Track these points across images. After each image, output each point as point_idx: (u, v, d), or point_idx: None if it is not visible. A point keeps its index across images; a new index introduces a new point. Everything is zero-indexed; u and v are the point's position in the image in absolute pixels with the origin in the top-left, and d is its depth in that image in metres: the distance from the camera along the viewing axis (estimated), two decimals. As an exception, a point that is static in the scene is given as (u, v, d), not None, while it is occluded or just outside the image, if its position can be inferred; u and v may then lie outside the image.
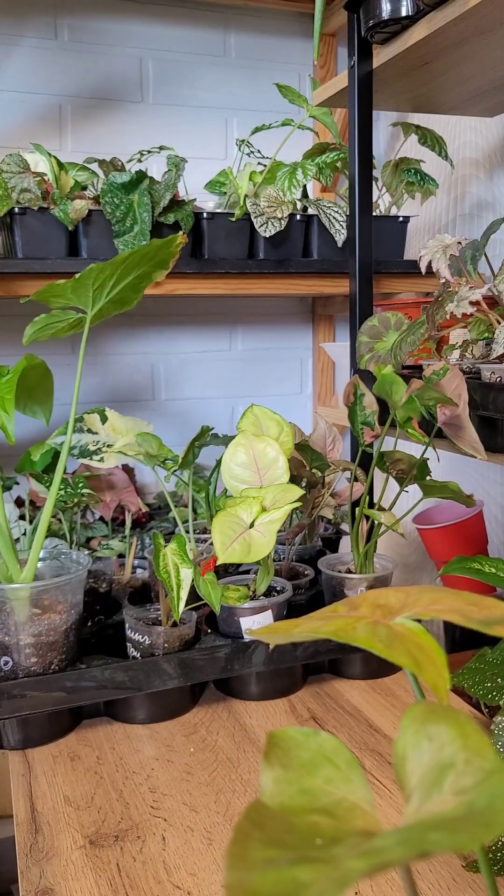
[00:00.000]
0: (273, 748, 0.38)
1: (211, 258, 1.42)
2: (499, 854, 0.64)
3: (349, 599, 0.48)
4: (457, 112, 1.40)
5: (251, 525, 0.89)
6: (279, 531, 1.22)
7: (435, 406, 0.95)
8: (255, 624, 0.98)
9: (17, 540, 1.21)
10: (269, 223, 1.38)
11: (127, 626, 0.98)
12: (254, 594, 1.02)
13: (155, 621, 0.99)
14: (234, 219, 1.41)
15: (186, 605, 0.93)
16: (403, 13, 1.09)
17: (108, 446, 1.07)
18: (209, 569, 0.93)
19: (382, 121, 1.87)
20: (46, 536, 1.14)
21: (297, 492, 0.90)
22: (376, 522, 1.04)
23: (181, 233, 0.92)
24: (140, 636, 0.96)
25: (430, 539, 1.33)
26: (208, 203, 1.50)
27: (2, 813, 1.42)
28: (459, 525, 1.30)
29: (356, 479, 1.10)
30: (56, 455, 1.32)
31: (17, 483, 1.36)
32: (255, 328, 1.88)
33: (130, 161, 1.46)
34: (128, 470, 1.63)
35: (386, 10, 1.10)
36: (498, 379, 0.96)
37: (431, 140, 1.44)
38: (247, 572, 1.14)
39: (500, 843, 0.64)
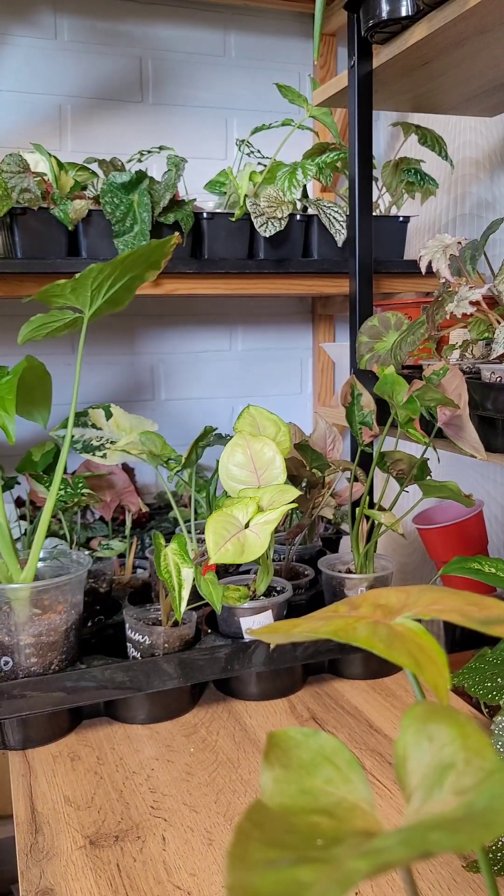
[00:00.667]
0: (273, 748, 0.38)
1: (211, 258, 1.42)
2: (499, 854, 0.64)
3: (349, 599, 0.48)
4: (457, 112, 1.40)
5: (246, 525, 0.89)
6: (279, 531, 1.22)
7: (435, 406, 0.95)
8: (256, 624, 0.98)
9: (18, 540, 1.21)
10: (269, 223, 1.38)
11: (127, 626, 0.98)
12: (254, 594, 1.02)
13: (155, 621, 0.99)
14: (233, 219, 1.41)
15: (187, 605, 0.93)
16: (403, 13, 1.09)
17: (112, 443, 1.07)
18: (210, 569, 0.93)
19: (382, 121, 1.87)
20: (47, 536, 1.14)
21: (294, 492, 0.90)
22: (376, 522, 1.04)
23: (176, 234, 0.93)
24: (140, 636, 0.96)
25: (430, 539, 1.33)
26: (208, 203, 1.50)
27: (2, 813, 1.42)
28: (459, 525, 1.30)
29: (356, 479, 1.10)
30: (57, 454, 1.32)
31: (18, 483, 1.36)
32: (256, 328, 1.88)
33: (130, 161, 1.46)
34: (128, 470, 1.63)
35: (386, 9, 1.10)
36: (498, 379, 0.96)
37: (431, 140, 1.44)
38: (247, 572, 1.14)
39: (500, 843, 0.64)
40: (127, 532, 1.27)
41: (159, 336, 1.80)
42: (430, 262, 1.03)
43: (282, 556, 1.23)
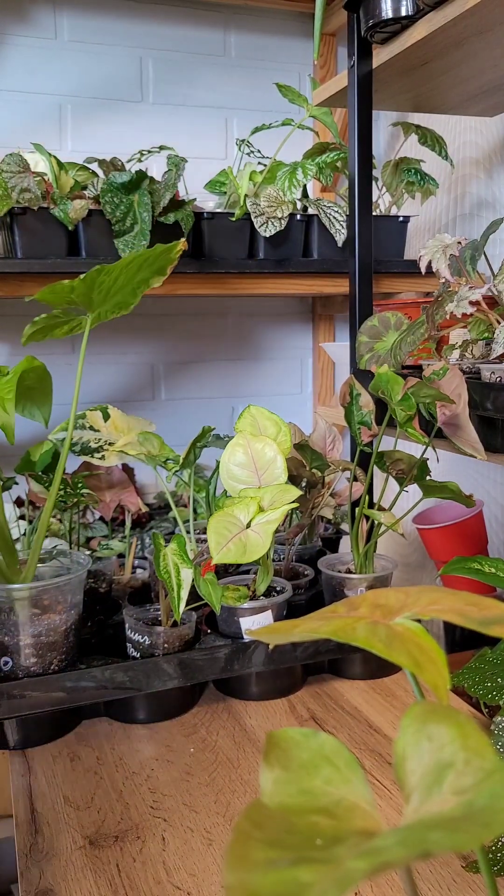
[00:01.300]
0: (273, 748, 0.38)
1: (211, 258, 1.42)
2: (499, 854, 0.64)
3: (349, 600, 0.48)
4: (457, 112, 1.40)
5: (248, 525, 0.89)
6: (279, 531, 1.22)
7: (435, 406, 0.95)
8: (255, 624, 0.98)
9: (17, 540, 1.21)
10: (269, 223, 1.38)
11: (127, 626, 0.98)
12: (254, 594, 1.02)
13: (155, 621, 0.99)
14: (234, 218, 1.41)
15: (186, 605, 0.93)
16: (403, 13, 1.09)
17: (110, 444, 1.07)
18: (209, 569, 0.92)
19: (383, 120, 1.87)
20: (46, 536, 1.14)
21: (295, 492, 0.90)
22: (376, 522, 1.04)
23: (182, 240, 0.92)
24: (140, 636, 0.96)
25: (430, 539, 1.33)
26: (208, 203, 1.49)
27: (1, 813, 1.42)
28: (459, 525, 1.30)
29: (355, 479, 1.10)
30: (56, 454, 1.32)
31: (17, 483, 1.36)
32: (256, 328, 1.88)
33: (130, 161, 1.45)
34: (127, 470, 1.63)
35: (386, 9, 1.10)
36: (498, 379, 0.95)
37: (431, 140, 1.44)
38: (247, 572, 1.14)
39: (499, 843, 0.64)
40: (126, 532, 1.27)
41: (159, 336, 1.80)
42: (429, 262, 1.03)
43: (282, 556, 1.23)
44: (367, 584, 1.05)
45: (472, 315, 1.01)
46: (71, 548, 1.14)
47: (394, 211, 1.57)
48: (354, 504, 1.09)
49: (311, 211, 1.47)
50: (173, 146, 1.50)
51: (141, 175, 1.32)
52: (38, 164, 1.34)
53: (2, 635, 0.91)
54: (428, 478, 0.99)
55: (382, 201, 1.55)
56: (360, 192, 1.27)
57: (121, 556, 1.23)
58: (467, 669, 0.82)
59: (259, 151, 1.49)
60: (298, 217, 1.46)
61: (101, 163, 1.41)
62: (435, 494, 0.95)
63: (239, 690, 1.00)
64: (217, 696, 1.01)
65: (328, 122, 1.41)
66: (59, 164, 1.35)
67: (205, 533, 1.22)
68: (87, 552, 1.18)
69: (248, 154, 1.48)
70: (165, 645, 0.95)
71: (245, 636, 0.99)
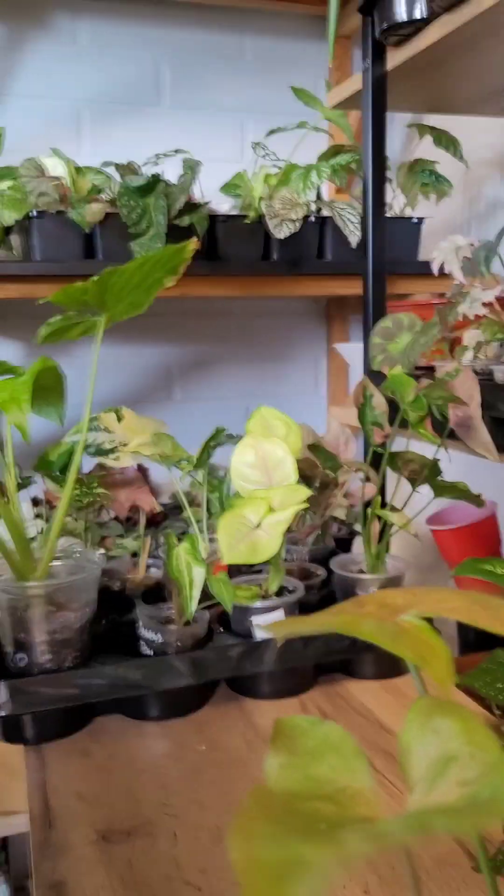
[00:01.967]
0: (279, 735, 0.39)
1: (225, 260, 1.43)
2: (500, 856, 0.64)
3: (356, 598, 0.48)
4: (471, 112, 1.40)
5: (258, 525, 0.90)
6: (291, 532, 1.22)
7: (447, 407, 0.95)
8: (267, 623, 0.99)
9: (33, 539, 1.23)
10: (284, 225, 1.39)
11: (140, 624, 0.99)
12: (265, 594, 1.03)
13: (168, 620, 1.00)
14: (248, 220, 1.42)
15: (199, 604, 0.94)
16: (417, 16, 1.10)
17: (124, 445, 1.08)
18: (221, 568, 0.93)
19: (397, 122, 1.87)
20: (61, 535, 1.15)
21: (305, 492, 0.90)
22: (388, 523, 1.05)
23: (194, 239, 0.93)
24: (153, 634, 0.97)
25: (444, 540, 1.33)
26: (223, 205, 1.50)
27: (15, 808, 1.43)
28: (472, 526, 1.30)
29: (368, 480, 1.10)
30: (73, 454, 1.33)
31: (34, 482, 1.37)
32: (270, 329, 1.88)
33: (146, 164, 1.47)
34: (142, 469, 1.64)
35: (400, 13, 1.11)
36: (510, 380, 0.96)
37: (446, 141, 1.44)
38: (259, 572, 1.15)
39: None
40: (140, 531, 1.28)
41: (174, 337, 1.81)
42: (442, 264, 1.04)
43: (294, 557, 1.23)
44: (379, 585, 1.05)
45: (484, 316, 1.01)
46: (85, 546, 1.15)
47: (408, 212, 1.57)
48: (367, 504, 1.10)
49: (325, 213, 1.48)
50: (189, 149, 1.51)
51: (156, 178, 1.33)
52: (56, 168, 1.36)
53: (17, 632, 0.92)
54: (439, 478, 0.99)
55: (397, 202, 1.56)
56: (374, 194, 1.27)
57: (134, 554, 1.24)
58: (479, 670, 0.82)
59: (274, 154, 1.50)
60: (312, 219, 1.46)
61: (118, 166, 1.43)
62: (445, 494, 0.96)
63: (250, 689, 1.01)
64: (229, 695, 1.02)
65: (343, 125, 1.42)
66: (76, 168, 1.37)
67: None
68: (101, 551, 1.19)
69: (262, 156, 1.49)
70: (178, 643, 0.96)
71: (257, 635, 1.00)
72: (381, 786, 0.82)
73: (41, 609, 0.92)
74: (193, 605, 0.91)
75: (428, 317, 1.26)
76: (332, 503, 1.14)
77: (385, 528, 1.07)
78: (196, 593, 0.92)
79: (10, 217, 1.30)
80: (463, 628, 1.34)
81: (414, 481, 1.02)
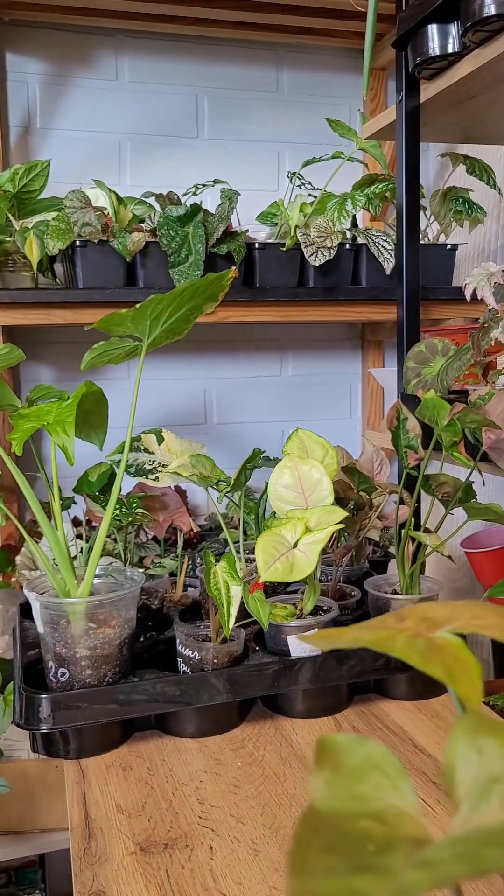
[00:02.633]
0: (323, 752, 0.39)
1: (262, 286, 1.47)
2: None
3: (398, 612, 0.49)
4: (504, 142, 1.43)
5: (295, 545, 0.92)
6: (326, 553, 1.24)
7: (480, 431, 0.97)
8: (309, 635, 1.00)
9: (74, 558, 1.26)
10: (319, 252, 1.42)
11: (178, 641, 1.01)
12: (301, 613, 1.05)
13: (205, 637, 1.02)
14: (284, 248, 1.45)
15: (235, 623, 0.96)
16: (450, 50, 1.13)
17: (164, 466, 1.11)
18: (258, 587, 0.95)
19: (431, 151, 1.90)
20: (102, 555, 1.18)
21: (341, 513, 0.92)
22: (422, 544, 1.06)
23: (233, 268, 0.97)
24: (190, 651, 0.99)
25: (478, 563, 1.34)
26: (260, 234, 1.54)
27: (54, 826, 1.45)
28: (508, 549, 1.30)
29: (402, 502, 1.12)
30: (112, 475, 1.37)
31: (75, 503, 1.41)
32: (306, 354, 1.91)
33: (186, 194, 1.51)
34: (180, 491, 1.67)
35: (433, 46, 1.14)
36: (543, 404, 0.97)
37: (480, 169, 1.47)
38: (294, 592, 1.16)
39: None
40: (178, 551, 1.30)
41: (212, 361, 1.84)
42: (474, 290, 1.06)
43: (329, 577, 1.25)
44: (414, 606, 1.06)
45: (517, 341, 1.02)
46: (125, 565, 1.18)
47: (442, 239, 1.59)
48: (401, 526, 1.11)
49: (360, 240, 1.51)
50: (227, 180, 1.56)
51: (195, 208, 1.38)
52: (99, 198, 1.41)
53: (59, 647, 0.95)
54: (473, 500, 1.01)
55: (431, 230, 1.58)
56: (408, 222, 1.30)
57: (172, 574, 1.27)
58: (512, 691, 0.83)
59: (310, 183, 1.54)
60: (347, 246, 1.49)
61: (158, 197, 1.48)
62: (479, 517, 0.97)
63: (286, 708, 1.02)
64: (264, 713, 1.03)
65: (377, 155, 1.45)
66: (119, 198, 1.42)
67: (254, 553, 1.25)
68: (141, 570, 1.22)
69: (298, 186, 1.52)
70: (215, 660, 0.98)
71: (292, 653, 1.01)
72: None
73: (82, 625, 0.95)
74: (231, 622, 0.93)
75: (461, 342, 1.27)
76: (366, 525, 1.16)
77: (419, 549, 1.08)
78: (233, 610, 0.94)
79: (55, 246, 1.35)
80: (499, 651, 1.34)
81: (447, 503, 1.04)
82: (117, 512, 1.15)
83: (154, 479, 1.10)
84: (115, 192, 1.40)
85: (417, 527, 1.10)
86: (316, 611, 1.07)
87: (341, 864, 0.30)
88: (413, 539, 1.08)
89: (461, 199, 1.51)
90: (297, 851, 0.31)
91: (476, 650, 1.64)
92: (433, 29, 1.13)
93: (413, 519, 1.09)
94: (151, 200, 1.54)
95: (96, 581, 1.04)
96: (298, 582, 0.98)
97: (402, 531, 1.08)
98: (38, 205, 1.47)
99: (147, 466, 1.12)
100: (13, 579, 1.41)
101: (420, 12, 1.13)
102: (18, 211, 1.46)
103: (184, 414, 1.84)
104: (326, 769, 0.38)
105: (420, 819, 0.36)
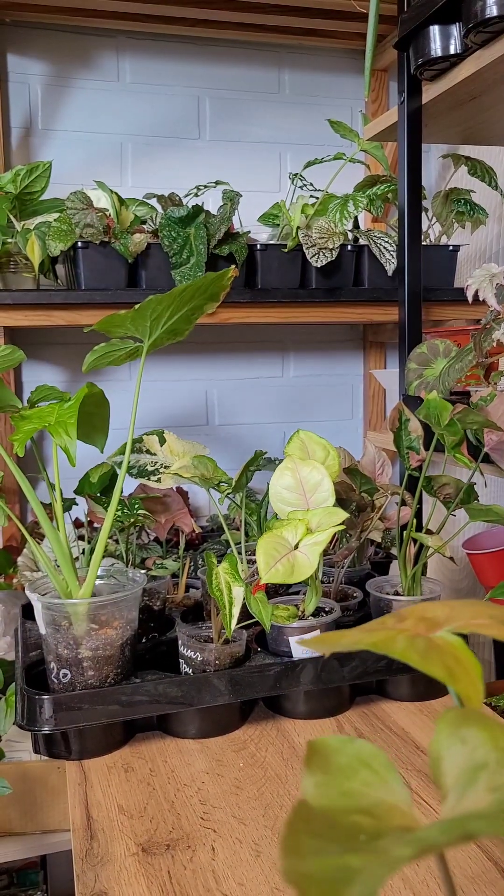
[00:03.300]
0: (313, 755, 0.40)
1: (264, 287, 1.47)
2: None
3: (397, 612, 0.50)
4: (506, 143, 1.43)
5: (296, 546, 0.92)
6: (328, 554, 1.24)
7: (482, 432, 0.97)
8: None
9: (76, 559, 1.26)
10: (321, 253, 1.42)
11: (180, 642, 1.01)
12: (302, 614, 1.05)
13: (207, 638, 1.02)
14: (286, 249, 1.45)
15: (237, 624, 0.96)
16: (452, 51, 1.13)
17: (166, 467, 1.11)
18: (260, 588, 0.95)
19: (433, 152, 1.90)
20: (104, 556, 1.18)
21: (342, 514, 0.92)
22: (424, 546, 1.06)
23: (233, 267, 0.97)
24: (192, 653, 0.99)
25: (480, 564, 1.34)
26: (262, 235, 1.54)
27: (56, 827, 1.45)
28: (509, 550, 1.30)
29: (404, 503, 1.12)
30: (114, 476, 1.37)
31: (77, 504, 1.41)
32: (307, 355, 1.91)
33: (187, 196, 1.51)
34: (182, 492, 1.68)
35: (435, 48, 1.14)
36: (545, 405, 0.97)
37: (481, 171, 1.47)
38: (296, 593, 1.17)
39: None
40: (180, 552, 1.30)
41: (213, 363, 1.84)
42: (476, 291, 1.06)
43: (331, 579, 1.25)
44: (415, 607, 1.06)
45: (519, 342, 1.02)
46: (127, 567, 1.18)
47: (444, 240, 1.59)
48: (402, 527, 1.11)
49: (361, 241, 1.51)
50: (228, 181, 1.56)
51: (197, 209, 1.38)
52: (101, 200, 1.41)
53: (61, 648, 0.95)
54: (475, 502, 1.01)
55: (433, 231, 1.58)
56: (410, 223, 1.30)
57: (174, 575, 1.27)
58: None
59: (311, 184, 1.54)
60: (349, 247, 1.49)
61: (160, 198, 1.48)
62: (481, 518, 0.97)
63: (288, 709, 1.02)
64: (266, 714, 1.03)
65: (379, 156, 1.45)
66: (120, 199, 1.42)
67: (255, 555, 1.25)
68: (143, 571, 1.22)
69: (300, 187, 1.52)
70: (216, 661, 0.98)
71: (294, 654, 1.01)
72: (416, 806, 0.83)
73: (84, 626, 0.95)
74: (234, 623, 0.94)
75: (463, 343, 1.27)
76: (368, 526, 1.16)
77: (421, 550, 1.08)
78: (236, 611, 0.94)
79: (56, 248, 1.35)
80: (500, 651, 1.34)
81: (449, 505, 1.04)
82: (119, 513, 1.15)
83: (156, 481, 1.10)
84: (116, 194, 1.41)
85: (419, 528, 1.10)
86: (318, 612, 1.07)
87: (333, 847, 0.31)
88: (415, 540, 1.08)
89: (463, 201, 1.51)
90: (289, 835, 0.32)
91: (478, 651, 1.64)
92: (435, 30, 1.13)
93: (415, 520, 1.09)
94: (153, 202, 1.54)
95: (98, 582, 1.04)
96: (300, 583, 0.98)
97: (404, 532, 1.08)
98: (40, 206, 1.47)
99: (149, 468, 1.12)
100: (15, 580, 1.42)
101: (422, 13, 1.13)
102: (20, 212, 1.46)
103: (185, 415, 1.84)
104: (317, 771, 0.39)
105: (411, 811, 0.37)
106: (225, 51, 1.79)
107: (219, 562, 0.99)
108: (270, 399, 1.89)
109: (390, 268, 1.48)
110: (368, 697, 1.07)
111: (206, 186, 1.52)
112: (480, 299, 1.05)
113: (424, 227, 1.54)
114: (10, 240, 1.41)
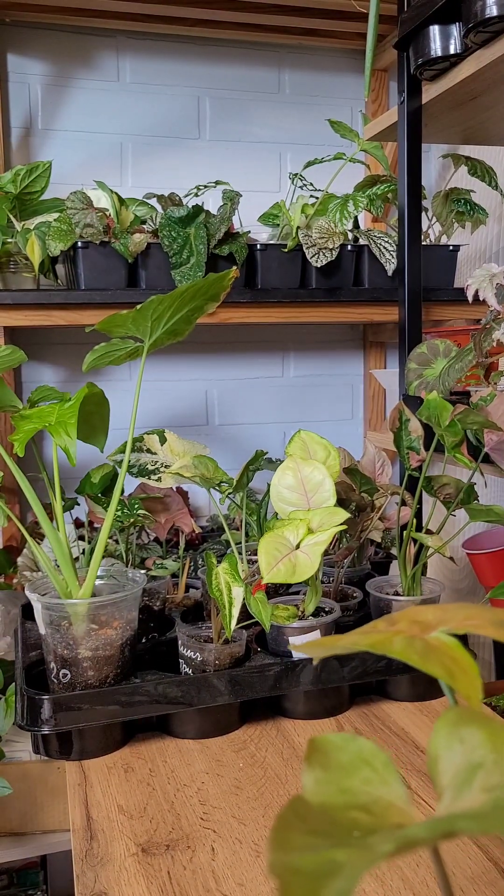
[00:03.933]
0: (314, 752, 0.40)
1: (264, 287, 1.47)
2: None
3: (389, 616, 0.50)
4: (506, 144, 1.43)
5: (297, 546, 0.92)
6: (328, 554, 1.24)
7: (482, 432, 0.96)
8: (304, 642, 1.00)
9: (76, 559, 1.26)
10: (321, 253, 1.42)
11: (179, 642, 1.01)
12: (302, 614, 1.05)
13: (207, 639, 1.02)
14: (286, 249, 1.45)
15: (237, 624, 0.96)
16: (452, 51, 1.13)
17: (166, 467, 1.11)
18: (260, 588, 0.95)
19: (434, 152, 1.90)
20: (104, 557, 1.18)
21: (343, 514, 0.92)
22: (424, 546, 1.06)
23: (234, 268, 0.97)
24: (192, 653, 0.99)
25: (480, 564, 1.34)
26: (262, 235, 1.54)
27: (56, 827, 1.45)
28: (509, 551, 1.30)
29: (404, 503, 1.12)
30: (115, 476, 1.37)
31: (78, 504, 1.41)
32: (307, 355, 1.91)
33: (188, 196, 1.51)
34: (182, 492, 1.67)
35: (435, 48, 1.14)
36: (545, 405, 0.97)
37: (481, 171, 1.47)
38: (296, 593, 1.16)
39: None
40: (180, 552, 1.30)
41: (214, 362, 1.84)
42: (476, 291, 1.06)
43: (331, 579, 1.25)
44: (415, 607, 1.06)
45: (519, 342, 1.02)
46: (127, 567, 1.18)
47: (444, 240, 1.59)
48: (403, 527, 1.11)
49: (361, 241, 1.51)
50: (228, 181, 1.56)
51: (197, 209, 1.38)
52: (101, 200, 1.41)
53: (61, 648, 0.95)
54: (474, 502, 1.01)
55: (433, 231, 1.58)
56: (410, 223, 1.30)
57: (174, 575, 1.27)
58: (514, 692, 0.83)
59: (311, 184, 1.54)
60: (349, 247, 1.49)
61: (160, 198, 1.48)
62: (481, 518, 0.97)
63: (288, 709, 1.02)
64: (266, 714, 1.03)
65: (379, 156, 1.45)
66: (120, 199, 1.42)
67: (256, 555, 1.25)
68: (143, 571, 1.22)
69: (300, 187, 1.52)
70: (216, 661, 0.98)
71: (294, 654, 1.01)
72: (415, 805, 0.83)
73: (84, 626, 0.95)
74: (233, 623, 0.93)
75: (463, 343, 1.27)
76: (368, 526, 1.16)
77: (421, 551, 1.08)
78: (235, 612, 0.94)
79: (56, 247, 1.35)
80: (500, 652, 1.34)
81: (449, 505, 1.04)
82: (119, 513, 1.15)
83: (156, 480, 1.10)
84: (116, 194, 1.41)
85: (420, 528, 1.10)
86: (318, 612, 1.07)
87: (323, 843, 0.31)
88: (415, 540, 1.08)
89: (463, 201, 1.51)
90: (279, 830, 0.32)
91: (478, 652, 1.64)
92: (435, 30, 1.13)
93: (415, 520, 1.09)
94: (153, 202, 1.54)
95: (98, 582, 1.04)
96: (300, 583, 0.98)
97: (404, 532, 1.08)
98: (40, 206, 1.47)
99: (150, 467, 1.12)
100: (15, 580, 1.41)
101: (422, 13, 1.13)
102: (20, 212, 1.46)
103: (185, 415, 1.84)
104: (317, 767, 0.39)
105: (408, 809, 0.37)
106: (225, 51, 1.79)
107: (219, 562, 0.99)
108: (270, 399, 1.89)
109: (390, 268, 1.48)
110: (368, 698, 1.07)
111: (206, 186, 1.52)
112: (480, 299, 1.05)
113: (424, 226, 1.54)
114: (10, 240, 1.41)
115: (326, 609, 1.08)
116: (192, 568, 1.31)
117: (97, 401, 1.10)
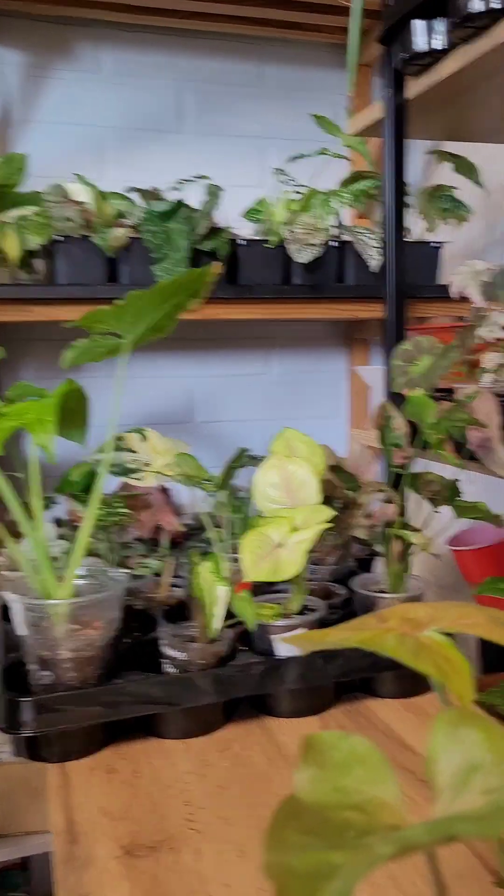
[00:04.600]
0: (309, 750, 0.40)
1: (247, 284, 1.46)
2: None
3: (379, 612, 0.49)
4: (490, 140, 1.43)
5: (281, 544, 0.91)
6: (313, 552, 1.23)
7: (464, 428, 0.96)
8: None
9: (56, 559, 1.24)
10: (305, 249, 1.41)
11: (163, 642, 1.00)
12: (287, 612, 1.04)
13: (190, 638, 1.01)
14: (270, 245, 1.44)
15: (222, 623, 0.95)
16: (436, 46, 1.12)
17: (147, 465, 1.10)
18: (244, 586, 0.94)
19: (417, 148, 1.89)
20: (85, 556, 1.17)
21: (328, 512, 0.91)
22: (409, 543, 1.05)
23: (216, 263, 0.96)
24: (176, 652, 0.98)
25: (464, 561, 1.34)
26: (245, 230, 1.53)
27: (38, 828, 1.44)
28: (493, 547, 1.30)
29: (389, 500, 1.11)
30: (95, 474, 1.36)
31: (57, 503, 1.39)
32: (292, 352, 1.90)
33: (169, 190, 1.50)
34: (164, 490, 1.66)
35: (419, 43, 1.13)
36: (530, 401, 0.97)
37: (465, 167, 1.47)
38: (281, 592, 1.16)
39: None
40: (163, 551, 1.29)
41: (197, 359, 1.83)
42: (460, 288, 1.05)
43: (316, 576, 1.24)
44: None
45: (503, 339, 1.02)
46: (109, 566, 1.17)
47: (428, 237, 1.59)
48: (388, 525, 1.10)
49: (345, 238, 1.50)
50: (211, 175, 1.54)
51: (179, 204, 1.36)
52: (80, 193, 1.39)
53: (41, 650, 0.94)
54: (459, 499, 1.00)
55: (417, 227, 1.58)
56: (394, 219, 1.29)
57: (157, 574, 1.25)
58: (500, 688, 0.83)
59: (295, 179, 1.53)
60: (333, 244, 1.49)
61: (141, 192, 1.46)
62: (465, 514, 0.96)
63: (272, 707, 1.01)
64: (251, 713, 1.03)
65: (363, 152, 1.45)
66: (100, 193, 1.40)
67: (239, 553, 1.24)
68: (125, 570, 1.21)
69: (284, 182, 1.51)
70: (200, 661, 0.97)
71: (279, 653, 1.00)
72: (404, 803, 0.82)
73: (65, 626, 0.94)
74: (216, 623, 0.92)
75: (448, 340, 1.27)
76: (352, 523, 1.15)
77: (406, 548, 1.08)
78: (217, 611, 0.93)
79: (34, 242, 1.33)
80: (485, 648, 1.34)
81: (434, 502, 1.03)
82: (100, 512, 1.14)
83: (137, 479, 1.08)
84: (96, 187, 1.39)
85: (405, 525, 1.10)
86: (303, 610, 1.06)
87: (319, 843, 0.31)
88: (400, 538, 1.08)
89: (447, 197, 1.51)
90: (275, 829, 0.31)
91: (462, 646, 1.64)
92: (419, 25, 1.13)
93: (399, 517, 1.08)
94: (134, 196, 1.52)
95: (79, 582, 1.02)
96: (285, 581, 0.98)
97: (389, 530, 1.08)
98: (18, 199, 1.45)
99: (131, 466, 1.10)
100: (-5, 580, 1.39)
101: (406, 8, 1.12)
102: (-1, 206, 1.44)
103: (168, 412, 1.82)
104: (312, 765, 0.39)
105: (402, 809, 0.37)
106: (207, 43, 1.77)
107: (202, 560, 0.98)
108: (254, 396, 1.88)
109: (374, 264, 1.47)
110: (353, 695, 1.07)
111: (188, 181, 1.50)
112: (465, 296, 1.05)
113: (408, 223, 1.54)
114: (-12, 234, 1.39)
115: (312, 607, 1.07)
116: (175, 566, 1.29)
117: (77, 397, 1.09)
